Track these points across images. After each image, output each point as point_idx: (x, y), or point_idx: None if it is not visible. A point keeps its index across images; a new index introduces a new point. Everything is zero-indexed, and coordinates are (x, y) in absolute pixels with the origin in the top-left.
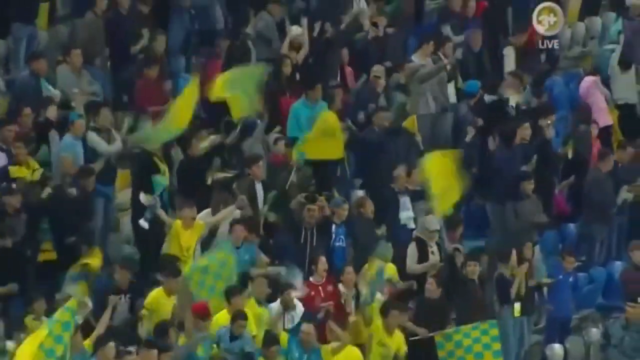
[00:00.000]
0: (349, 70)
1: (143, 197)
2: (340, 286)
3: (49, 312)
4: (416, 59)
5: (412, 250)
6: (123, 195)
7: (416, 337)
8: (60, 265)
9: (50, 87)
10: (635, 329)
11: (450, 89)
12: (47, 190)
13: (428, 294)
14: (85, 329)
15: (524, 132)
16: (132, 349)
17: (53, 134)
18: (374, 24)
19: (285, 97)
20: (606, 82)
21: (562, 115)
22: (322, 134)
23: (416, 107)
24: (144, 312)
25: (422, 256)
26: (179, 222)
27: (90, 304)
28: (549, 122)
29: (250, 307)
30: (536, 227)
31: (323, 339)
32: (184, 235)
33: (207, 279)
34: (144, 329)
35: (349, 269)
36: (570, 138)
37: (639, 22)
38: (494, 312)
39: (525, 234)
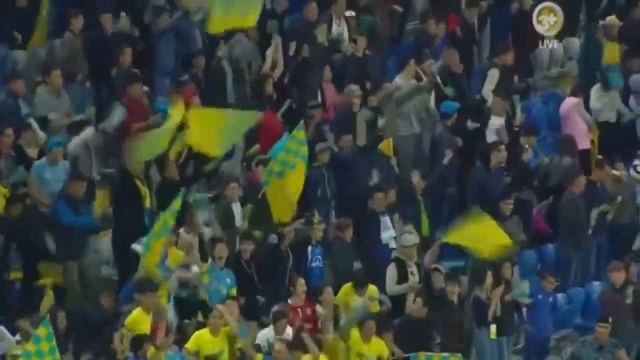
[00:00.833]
0: (329, 88)
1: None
2: (318, 306)
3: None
4: (400, 80)
5: (391, 270)
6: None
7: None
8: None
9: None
10: (607, 350)
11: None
12: (19, 207)
13: (414, 313)
14: None
15: (500, 155)
16: None
17: (31, 151)
18: (354, 41)
19: (267, 114)
20: (586, 101)
21: (541, 135)
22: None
23: (393, 128)
24: (124, 330)
25: (402, 277)
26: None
27: None
28: (527, 145)
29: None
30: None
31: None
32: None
33: None
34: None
35: (328, 289)
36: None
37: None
38: (472, 333)
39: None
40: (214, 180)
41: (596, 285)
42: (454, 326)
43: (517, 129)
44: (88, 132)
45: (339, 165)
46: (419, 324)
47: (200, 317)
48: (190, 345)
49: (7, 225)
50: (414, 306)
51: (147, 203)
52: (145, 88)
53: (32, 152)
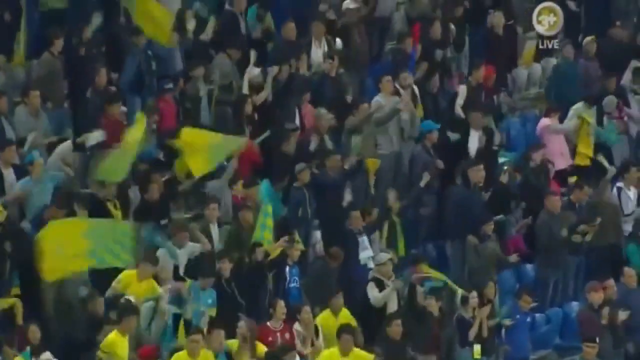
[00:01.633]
0: (309, 110)
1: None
2: (297, 325)
3: None
4: (380, 98)
5: (371, 287)
6: None
7: None
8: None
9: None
10: None
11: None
12: None
13: (392, 335)
14: None
15: (479, 174)
16: None
17: (8, 172)
18: (332, 58)
19: (245, 135)
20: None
21: (519, 155)
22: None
23: (371, 148)
24: (100, 354)
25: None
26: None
27: None
28: (506, 167)
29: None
30: (499, 266)
31: None
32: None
33: None
34: None
35: (307, 309)
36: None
37: (592, 61)
38: (451, 350)
39: (485, 274)
40: (192, 200)
41: (575, 305)
42: (431, 340)
43: (496, 148)
44: (64, 146)
45: (319, 186)
46: (397, 346)
47: (182, 338)
48: None
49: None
50: (395, 328)
51: None
52: (124, 108)
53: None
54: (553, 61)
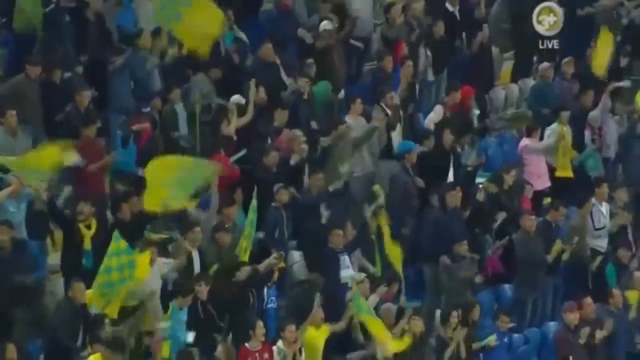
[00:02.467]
0: (286, 131)
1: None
2: (280, 343)
3: None
4: (348, 119)
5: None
6: (55, 256)
7: None
8: None
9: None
10: None
11: (396, 137)
12: None
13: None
14: None
15: (456, 196)
16: None
17: None
18: (308, 77)
19: (220, 155)
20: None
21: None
22: None
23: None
24: None
25: None
26: None
27: None
28: (482, 186)
29: None
30: (471, 287)
31: None
32: None
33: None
34: None
35: (291, 327)
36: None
37: (569, 82)
38: None
39: (461, 295)
40: (171, 221)
41: (552, 325)
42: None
43: (470, 169)
44: None
45: (298, 208)
46: None
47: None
48: None
49: None
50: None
51: (87, 244)
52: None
53: None
54: (530, 82)
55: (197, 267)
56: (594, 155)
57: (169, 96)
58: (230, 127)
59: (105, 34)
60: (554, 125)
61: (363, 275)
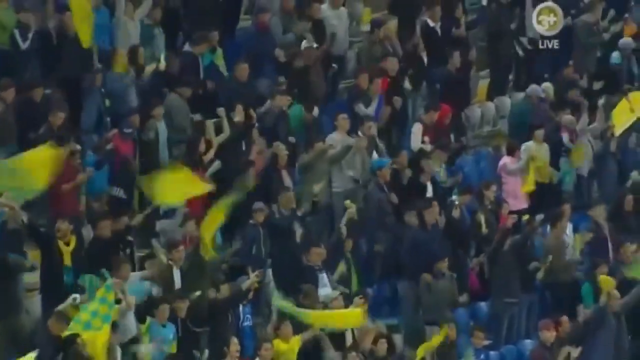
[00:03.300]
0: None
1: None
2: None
3: None
4: (335, 136)
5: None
6: (31, 275)
7: None
8: None
9: None
10: None
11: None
12: None
13: None
14: None
15: (433, 212)
16: None
17: None
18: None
19: (198, 172)
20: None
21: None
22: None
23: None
24: None
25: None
26: None
27: None
28: (459, 203)
29: None
30: (450, 304)
31: None
32: None
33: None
34: None
35: (267, 345)
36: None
37: (544, 101)
38: None
39: (439, 312)
40: (145, 237)
41: (528, 343)
42: None
43: (447, 186)
44: None
45: (274, 228)
46: None
47: None
48: None
49: None
50: None
51: (67, 261)
52: (77, 147)
53: None
54: (506, 100)
55: (177, 284)
56: (570, 172)
57: (151, 113)
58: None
59: (83, 55)
60: (529, 143)
61: (337, 292)
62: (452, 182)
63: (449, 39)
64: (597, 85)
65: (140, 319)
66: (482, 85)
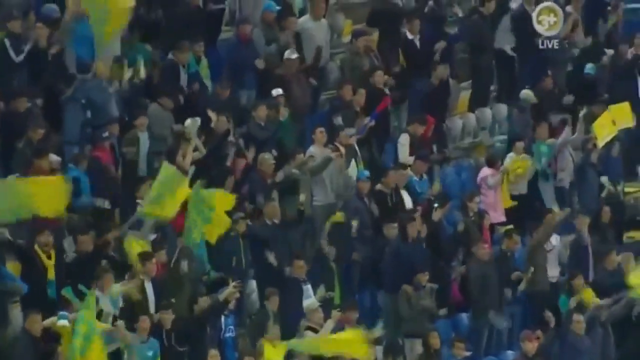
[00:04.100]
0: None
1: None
2: None
3: None
4: (314, 149)
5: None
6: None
7: None
8: None
9: None
10: None
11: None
12: None
13: None
14: None
15: (414, 227)
16: None
17: None
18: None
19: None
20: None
21: (454, 205)
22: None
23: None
24: None
25: None
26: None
27: None
28: (439, 213)
29: None
30: (430, 316)
31: None
32: None
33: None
34: None
35: (250, 359)
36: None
37: (523, 111)
38: None
39: (420, 324)
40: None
41: (510, 354)
42: None
43: (432, 198)
44: None
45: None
46: None
47: None
48: None
49: None
50: None
51: (51, 274)
52: (58, 158)
53: None
54: (487, 111)
55: (150, 298)
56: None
57: (134, 123)
58: (186, 159)
59: (61, 68)
60: (511, 154)
61: (317, 304)
62: (435, 193)
63: (429, 52)
64: (569, 99)
65: None
66: (464, 96)
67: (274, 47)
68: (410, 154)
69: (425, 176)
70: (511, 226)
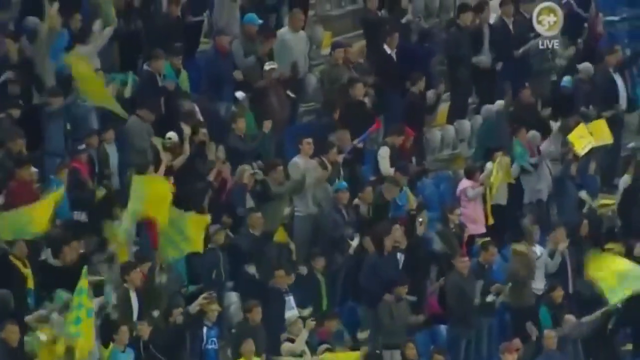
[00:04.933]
0: (225, 170)
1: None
2: None
3: None
4: (299, 160)
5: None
6: None
7: None
8: None
9: None
10: None
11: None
12: None
13: None
14: None
15: (391, 240)
16: None
17: None
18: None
19: None
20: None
21: (433, 216)
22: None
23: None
24: None
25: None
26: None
27: None
28: (421, 219)
29: None
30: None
31: None
32: None
33: None
34: None
35: None
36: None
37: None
38: None
39: (398, 335)
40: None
41: None
42: None
43: (413, 212)
44: None
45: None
46: None
47: None
48: None
49: None
50: None
51: (30, 284)
52: (35, 170)
53: None
54: (466, 123)
55: (135, 307)
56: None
57: (102, 137)
58: (160, 168)
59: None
60: (488, 164)
61: (296, 315)
62: (414, 206)
63: (406, 65)
64: (547, 111)
65: (104, 343)
66: (442, 108)
67: (252, 59)
68: (391, 166)
69: (405, 188)
70: (488, 238)
